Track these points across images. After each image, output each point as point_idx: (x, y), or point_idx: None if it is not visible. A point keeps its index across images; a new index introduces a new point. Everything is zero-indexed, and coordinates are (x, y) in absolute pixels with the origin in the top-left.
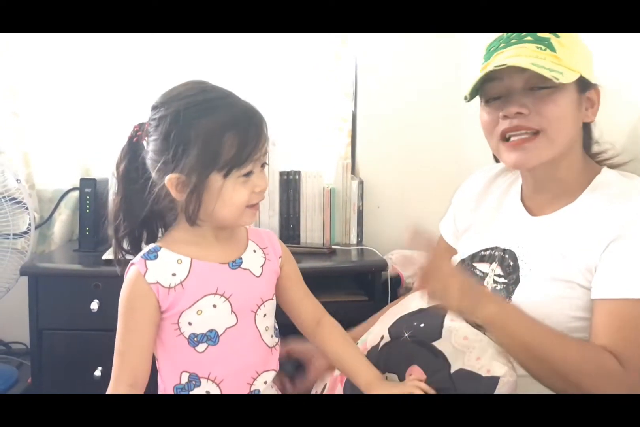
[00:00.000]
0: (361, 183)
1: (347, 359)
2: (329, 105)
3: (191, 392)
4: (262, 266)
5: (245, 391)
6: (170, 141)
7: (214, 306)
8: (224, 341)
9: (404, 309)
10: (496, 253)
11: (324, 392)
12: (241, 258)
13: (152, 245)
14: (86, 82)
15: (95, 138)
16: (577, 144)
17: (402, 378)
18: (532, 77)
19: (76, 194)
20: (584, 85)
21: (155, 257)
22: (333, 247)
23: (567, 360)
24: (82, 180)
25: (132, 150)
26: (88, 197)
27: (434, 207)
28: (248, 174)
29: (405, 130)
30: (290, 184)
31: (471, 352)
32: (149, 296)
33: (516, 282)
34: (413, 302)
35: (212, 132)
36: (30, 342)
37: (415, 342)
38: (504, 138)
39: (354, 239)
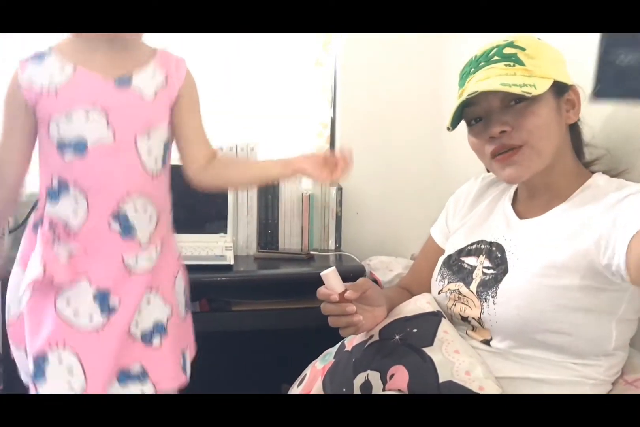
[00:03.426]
0: (340, 189)
1: (239, 164)
2: (309, 111)
3: (60, 199)
4: (156, 92)
5: (113, 208)
6: None
7: (87, 118)
8: (93, 155)
9: (399, 313)
10: (483, 246)
11: (303, 383)
12: (131, 77)
13: (45, 48)
14: None
15: None
16: (566, 148)
17: (383, 377)
18: (507, 94)
19: None
20: (560, 89)
21: (42, 60)
22: (311, 253)
23: None
24: None
25: None
26: None
27: (412, 214)
28: None
29: (384, 137)
30: (268, 189)
31: (460, 365)
32: (16, 96)
33: (505, 272)
34: (408, 307)
35: None
36: (3, 348)
37: (406, 345)
38: (494, 156)
39: (332, 244)
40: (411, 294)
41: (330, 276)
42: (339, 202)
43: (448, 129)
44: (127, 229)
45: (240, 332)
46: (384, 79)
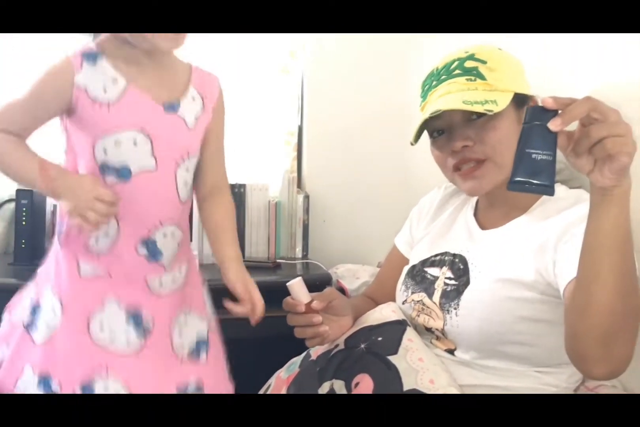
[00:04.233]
0: (307, 197)
1: (220, 233)
2: (276, 118)
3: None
4: (197, 118)
5: (143, 235)
6: None
7: (135, 143)
8: (136, 182)
9: (364, 322)
10: (446, 258)
11: (268, 393)
12: (179, 103)
13: (91, 47)
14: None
15: (35, 148)
16: None
17: (348, 385)
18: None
19: (12, 205)
20: (520, 100)
21: (94, 62)
22: (278, 261)
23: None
24: (19, 191)
25: None
26: (25, 209)
27: (379, 222)
28: None
29: (351, 145)
30: (235, 197)
31: (424, 373)
32: (65, 92)
33: (466, 283)
34: (373, 315)
35: None
36: None
37: (370, 353)
38: (457, 169)
39: (299, 252)
40: (376, 303)
41: (296, 287)
42: (306, 210)
43: (411, 143)
44: (154, 254)
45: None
46: (350, 87)
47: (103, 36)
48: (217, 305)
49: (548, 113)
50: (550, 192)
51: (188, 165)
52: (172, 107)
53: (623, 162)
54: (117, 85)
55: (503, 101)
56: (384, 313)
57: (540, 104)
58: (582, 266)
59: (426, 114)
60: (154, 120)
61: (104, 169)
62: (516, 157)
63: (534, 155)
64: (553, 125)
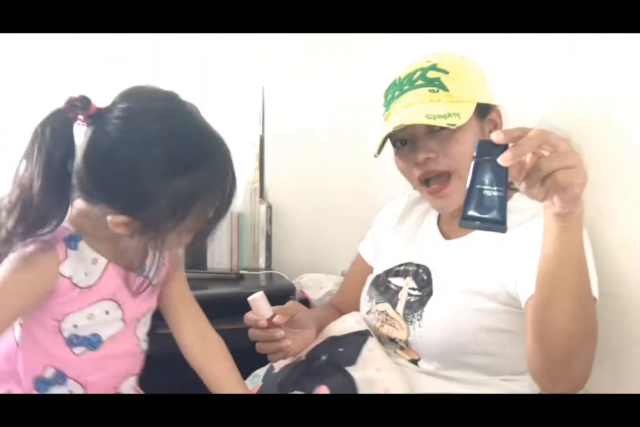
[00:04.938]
0: (269, 207)
1: (226, 385)
2: (237, 128)
3: (51, 391)
4: (158, 273)
5: (109, 392)
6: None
7: (107, 313)
8: (105, 348)
9: (327, 333)
10: (410, 268)
11: None
12: (145, 263)
13: (67, 228)
14: None
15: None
16: None
17: None
18: None
19: None
20: (483, 110)
21: (76, 246)
22: (241, 272)
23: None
24: None
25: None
26: None
27: (343, 230)
28: None
29: (314, 155)
30: None
31: (381, 382)
32: (48, 285)
33: (429, 294)
34: (336, 326)
35: (181, 193)
36: None
37: (330, 364)
38: (423, 182)
39: (262, 263)
40: (341, 312)
41: (258, 301)
42: (269, 221)
43: (375, 156)
44: None
45: (167, 355)
46: (314, 95)
47: (75, 216)
48: None
49: (498, 147)
50: (502, 229)
51: (146, 319)
52: (142, 268)
53: (575, 193)
54: (97, 265)
55: (466, 113)
56: (347, 324)
57: (501, 113)
58: (538, 289)
59: (389, 128)
60: (126, 288)
61: (72, 341)
62: (467, 193)
63: (485, 191)
64: (503, 160)
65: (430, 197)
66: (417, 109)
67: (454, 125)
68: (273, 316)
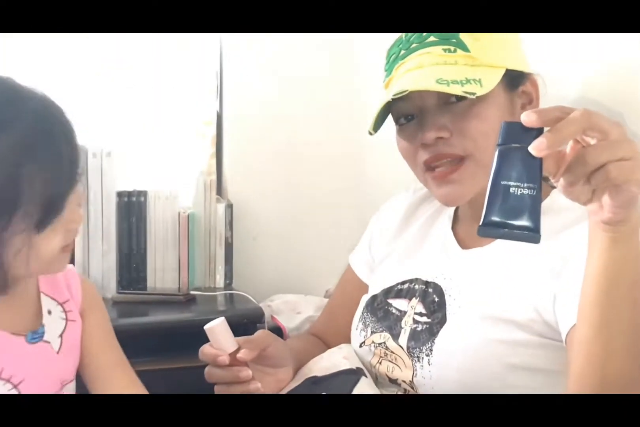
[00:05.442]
0: (230, 206)
1: None
2: (186, 103)
3: None
4: (61, 335)
5: None
6: None
7: None
8: None
9: (308, 373)
10: (417, 286)
11: None
12: (43, 326)
13: None
14: None
15: None
16: None
17: None
18: None
19: None
20: (513, 79)
21: None
22: (192, 293)
23: None
24: None
25: None
26: None
27: (326, 238)
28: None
29: (289, 137)
30: (132, 208)
31: None
32: None
33: (442, 321)
34: (320, 364)
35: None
36: None
37: None
38: (430, 168)
39: (220, 281)
40: (325, 343)
41: (217, 330)
42: (230, 225)
43: (370, 133)
44: None
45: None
46: (287, 58)
47: None
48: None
49: (530, 132)
50: (535, 239)
51: (69, 389)
52: (37, 334)
53: (631, 193)
54: None
55: (490, 81)
56: (333, 360)
57: (538, 85)
58: (581, 318)
59: (390, 95)
60: (16, 358)
61: None
62: (489, 192)
63: (512, 189)
64: (537, 149)
65: (434, 185)
66: (426, 72)
67: (473, 94)
68: (237, 350)
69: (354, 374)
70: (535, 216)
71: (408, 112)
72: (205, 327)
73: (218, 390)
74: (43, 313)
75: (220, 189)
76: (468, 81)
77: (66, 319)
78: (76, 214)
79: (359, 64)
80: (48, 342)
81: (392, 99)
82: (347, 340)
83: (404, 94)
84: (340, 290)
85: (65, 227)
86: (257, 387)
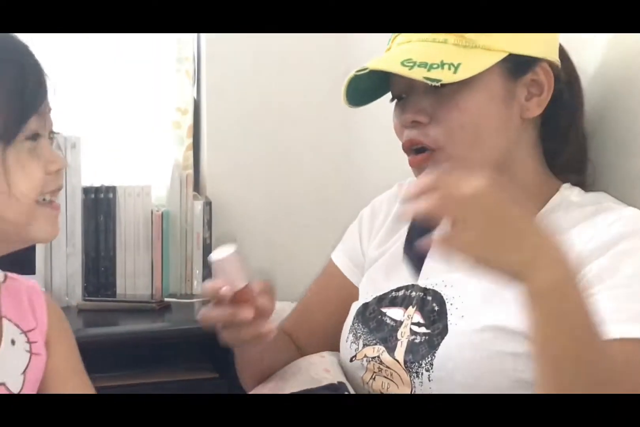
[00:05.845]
0: (209, 204)
1: None
2: (159, 89)
3: None
4: (24, 372)
5: None
6: None
7: None
8: None
9: (282, 387)
10: (413, 294)
11: None
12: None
13: None
14: None
15: None
16: (523, 152)
17: None
18: None
19: None
20: (519, 65)
21: None
22: (166, 300)
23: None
24: None
25: None
26: None
27: (314, 240)
28: (35, 138)
29: (273, 127)
30: (100, 205)
31: None
32: None
33: (443, 333)
34: (297, 377)
35: None
36: None
37: None
38: (409, 151)
39: (197, 287)
40: (295, 342)
41: (228, 263)
42: (208, 224)
43: (346, 104)
44: None
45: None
46: (272, 46)
47: None
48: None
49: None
50: None
51: None
52: None
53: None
54: None
55: (474, 66)
56: (312, 373)
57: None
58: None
59: (355, 71)
60: None
61: None
62: None
63: None
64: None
65: (413, 170)
66: (407, 48)
67: (437, 81)
68: (245, 288)
69: (337, 390)
70: None
71: (400, 91)
72: (212, 257)
73: (227, 334)
74: (2, 343)
75: (197, 185)
76: (441, 65)
77: (30, 352)
78: (55, 155)
79: (351, 46)
80: (2, 384)
81: (355, 74)
82: (321, 342)
83: (364, 72)
84: (317, 286)
85: (45, 167)
86: (271, 329)
